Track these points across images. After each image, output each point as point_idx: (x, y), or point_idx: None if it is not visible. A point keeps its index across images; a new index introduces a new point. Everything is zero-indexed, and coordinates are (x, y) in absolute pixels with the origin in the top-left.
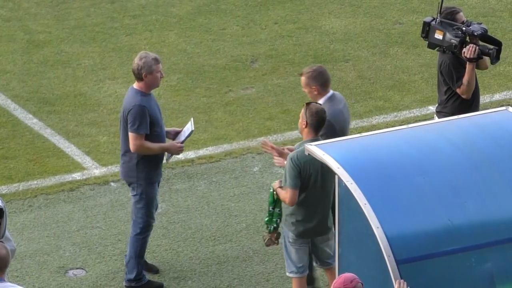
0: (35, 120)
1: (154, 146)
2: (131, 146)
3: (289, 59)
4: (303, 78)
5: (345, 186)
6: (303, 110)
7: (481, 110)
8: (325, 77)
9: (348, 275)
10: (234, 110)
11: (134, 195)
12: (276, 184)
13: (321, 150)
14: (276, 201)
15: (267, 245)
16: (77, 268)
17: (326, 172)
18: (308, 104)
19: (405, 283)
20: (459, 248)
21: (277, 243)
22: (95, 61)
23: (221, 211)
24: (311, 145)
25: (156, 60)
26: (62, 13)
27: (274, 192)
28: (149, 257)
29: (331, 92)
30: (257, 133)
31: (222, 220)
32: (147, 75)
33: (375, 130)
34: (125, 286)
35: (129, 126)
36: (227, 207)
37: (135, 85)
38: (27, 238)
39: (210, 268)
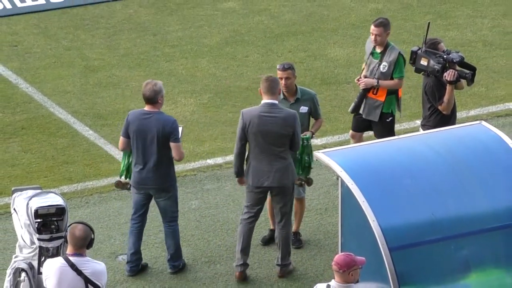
0: (90, 132)
1: None
2: (180, 155)
3: (301, 81)
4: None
5: (347, 186)
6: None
7: (459, 123)
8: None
9: (342, 258)
10: None
11: (170, 197)
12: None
13: (326, 157)
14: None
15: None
16: (125, 254)
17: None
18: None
19: None
20: (440, 237)
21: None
22: (140, 83)
23: None
24: (319, 152)
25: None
26: (113, 43)
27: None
28: (184, 245)
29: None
30: None
31: None
32: (161, 98)
33: (371, 140)
34: (174, 271)
35: (173, 138)
36: None
37: (147, 107)
38: None
39: (235, 254)
